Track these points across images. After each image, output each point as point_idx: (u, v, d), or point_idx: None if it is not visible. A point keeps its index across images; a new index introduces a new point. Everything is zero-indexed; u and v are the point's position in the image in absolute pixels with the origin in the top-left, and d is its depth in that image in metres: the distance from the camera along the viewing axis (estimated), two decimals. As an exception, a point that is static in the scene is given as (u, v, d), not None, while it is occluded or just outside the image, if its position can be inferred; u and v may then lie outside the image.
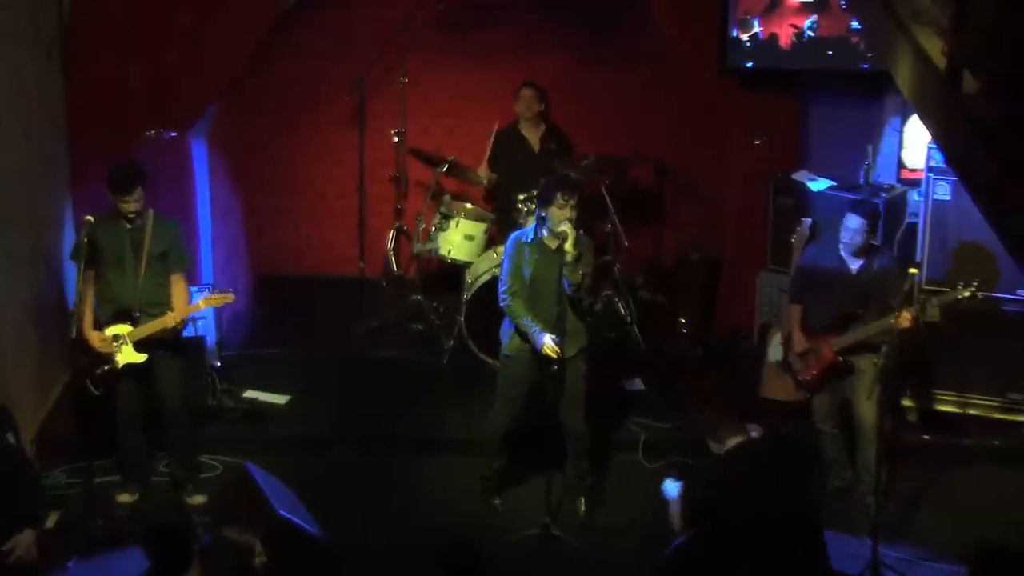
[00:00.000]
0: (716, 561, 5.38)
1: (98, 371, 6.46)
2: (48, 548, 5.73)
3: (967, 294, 6.29)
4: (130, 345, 6.48)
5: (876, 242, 6.78)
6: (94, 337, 6.45)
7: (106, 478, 6.78)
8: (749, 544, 5.23)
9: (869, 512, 6.32)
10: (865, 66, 7.94)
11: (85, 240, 6.33)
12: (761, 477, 5.42)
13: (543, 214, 6.35)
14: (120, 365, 6.48)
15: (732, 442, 5.51)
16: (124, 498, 6.72)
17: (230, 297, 6.75)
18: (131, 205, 6.43)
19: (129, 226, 6.49)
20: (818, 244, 7.11)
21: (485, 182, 8.53)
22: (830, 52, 8.00)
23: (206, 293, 6.87)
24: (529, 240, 6.43)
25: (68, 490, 6.69)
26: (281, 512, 5.57)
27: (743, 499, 5.30)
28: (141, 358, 6.51)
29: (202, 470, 6.93)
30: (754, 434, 5.64)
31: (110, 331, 6.47)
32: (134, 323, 6.50)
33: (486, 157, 8.54)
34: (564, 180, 6.54)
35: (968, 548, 4.74)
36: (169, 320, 6.49)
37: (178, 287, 6.64)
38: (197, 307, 6.69)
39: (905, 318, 6.18)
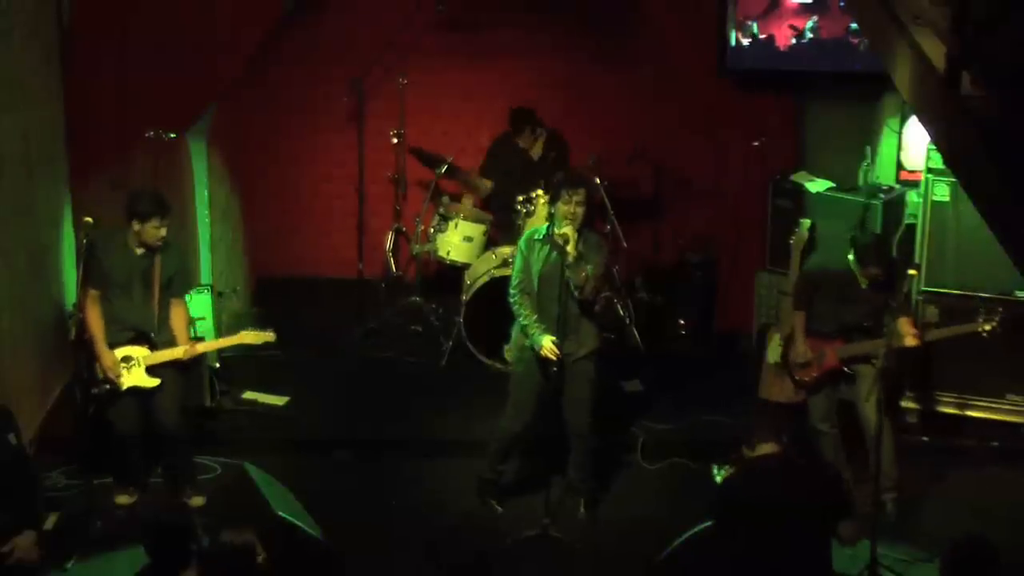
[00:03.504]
0: (711, 564, 5.38)
1: (96, 390, 6.39)
2: (48, 548, 5.72)
3: (988, 328, 6.27)
4: (142, 368, 6.40)
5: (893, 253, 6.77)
6: (108, 358, 6.35)
7: (105, 479, 6.76)
8: (754, 546, 5.22)
9: (885, 510, 6.40)
10: (864, 67, 7.94)
11: (84, 241, 6.31)
12: (774, 486, 5.36)
13: (552, 211, 6.36)
14: (124, 387, 6.40)
15: (763, 449, 5.42)
16: (123, 499, 6.69)
17: (270, 336, 6.66)
18: (164, 231, 6.32)
19: (139, 251, 6.39)
20: (824, 250, 7.08)
21: (480, 190, 8.54)
22: (828, 53, 8.02)
23: (245, 328, 6.77)
24: (541, 237, 6.43)
25: (68, 490, 6.68)
26: (280, 513, 5.56)
27: (757, 506, 5.27)
28: (152, 383, 6.42)
29: (197, 474, 6.90)
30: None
31: (121, 352, 6.39)
32: (151, 347, 6.43)
33: (480, 167, 8.56)
34: (569, 176, 6.53)
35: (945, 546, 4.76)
36: (182, 353, 6.42)
37: (178, 311, 6.55)
38: (237, 340, 6.63)
39: (912, 340, 6.16)
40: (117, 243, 6.41)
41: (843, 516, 5.25)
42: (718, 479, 5.91)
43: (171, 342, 6.49)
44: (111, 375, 6.35)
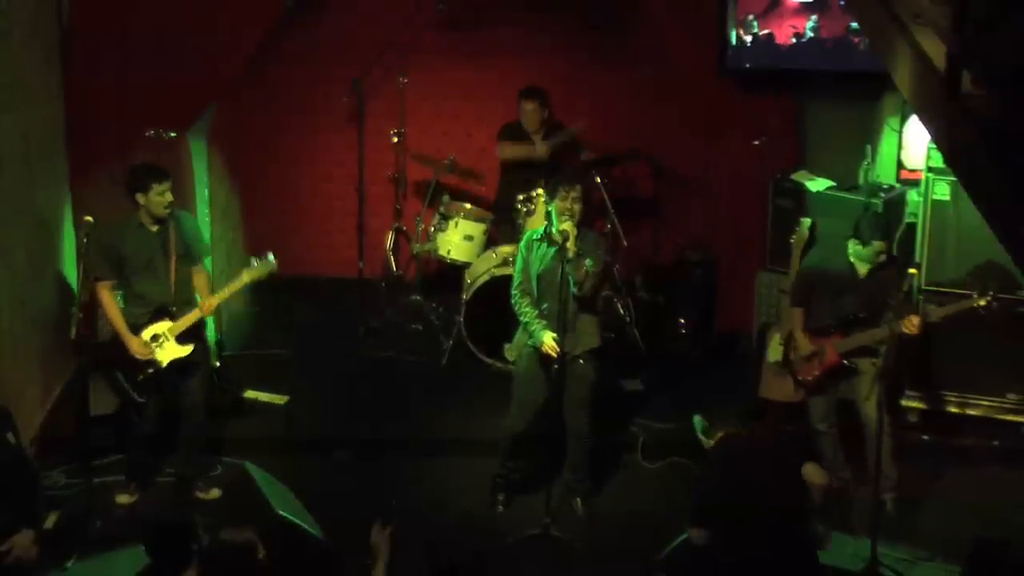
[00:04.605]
0: (709, 564, 5.41)
1: (141, 376, 6.44)
2: (47, 548, 5.72)
3: (983, 303, 6.26)
4: (172, 340, 6.48)
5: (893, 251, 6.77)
6: (135, 343, 6.42)
7: (105, 478, 6.76)
8: (739, 543, 5.24)
9: (885, 509, 6.43)
10: (864, 66, 7.95)
11: (85, 240, 6.33)
12: (740, 471, 5.41)
13: (550, 210, 6.37)
14: (165, 363, 6.48)
15: (717, 436, 5.51)
16: (123, 499, 6.70)
17: (271, 263, 6.62)
18: (169, 195, 6.41)
19: (155, 228, 6.46)
20: (822, 247, 7.10)
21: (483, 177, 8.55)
22: (829, 52, 8.02)
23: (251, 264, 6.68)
24: (539, 236, 6.44)
25: (68, 490, 6.68)
26: (281, 512, 5.57)
27: (726, 494, 5.31)
28: (187, 350, 6.51)
29: (212, 466, 6.92)
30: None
31: (147, 333, 6.46)
32: (172, 318, 6.49)
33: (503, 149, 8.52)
34: (565, 173, 6.55)
35: (967, 546, 4.77)
36: (203, 309, 6.51)
37: (201, 278, 6.65)
38: (241, 283, 6.59)
39: (912, 324, 6.17)
40: (131, 227, 6.46)
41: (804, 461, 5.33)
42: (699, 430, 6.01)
43: (191, 305, 6.56)
44: (145, 357, 6.41)
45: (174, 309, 6.50)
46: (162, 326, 6.48)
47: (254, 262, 6.61)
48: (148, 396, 6.50)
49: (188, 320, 6.50)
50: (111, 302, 6.46)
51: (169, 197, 6.43)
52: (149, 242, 6.47)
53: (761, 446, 5.52)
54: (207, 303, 6.56)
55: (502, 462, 6.75)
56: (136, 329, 6.45)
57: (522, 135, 8.36)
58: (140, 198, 6.39)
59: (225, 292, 6.66)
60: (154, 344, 6.46)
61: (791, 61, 8.16)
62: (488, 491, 6.78)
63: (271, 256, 6.60)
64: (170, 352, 6.49)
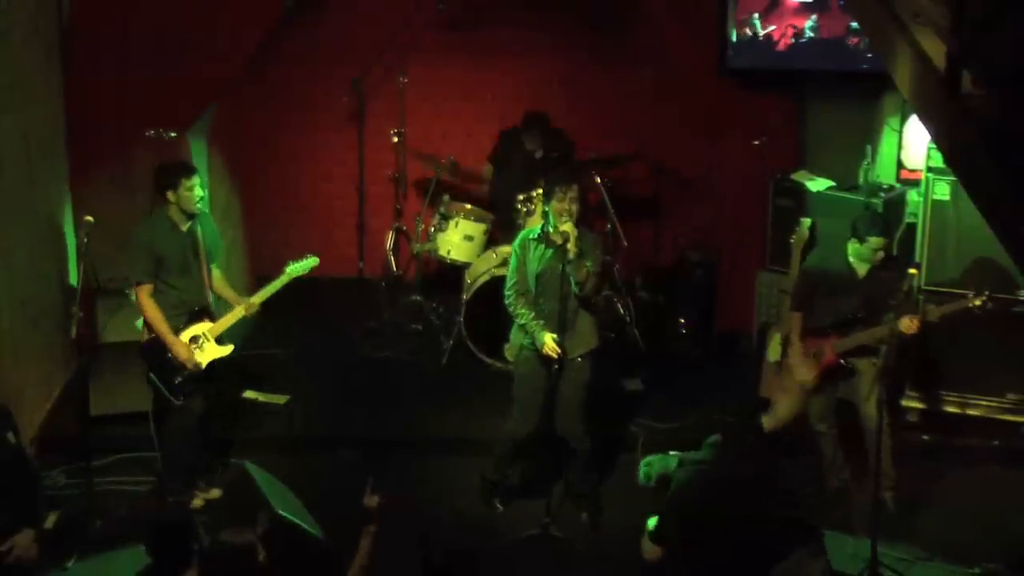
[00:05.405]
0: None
1: (179, 379, 6.42)
2: (47, 548, 5.72)
3: (978, 303, 6.26)
4: (211, 342, 6.47)
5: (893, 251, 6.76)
6: (181, 348, 6.38)
7: (106, 479, 6.76)
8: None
9: (886, 507, 6.43)
10: (864, 66, 7.95)
11: (85, 240, 6.32)
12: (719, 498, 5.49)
13: (546, 210, 6.36)
14: (204, 365, 6.46)
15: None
16: (199, 501, 6.64)
17: (314, 260, 6.68)
18: (199, 189, 6.39)
19: (185, 227, 6.44)
20: (822, 248, 7.10)
21: (482, 176, 8.57)
22: (829, 52, 8.02)
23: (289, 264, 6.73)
24: (535, 236, 6.43)
25: (68, 490, 6.68)
26: (281, 512, 5.57)
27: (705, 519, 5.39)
28: (227, 350, 6.53)
29: (212, 466, 6.92)
30: None
31: (187, 335, 6.44)
32: (212, 319, 6.49)
33: (489, 156, 8.57)
34: (561, 173, 6.55)
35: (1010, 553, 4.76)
36: (243, 311, 6.52)
37: (219, 275, 6.65)
38: (285, 279, 6.61)
39: (910, 324, 6.17)
40: (162, 228, 6.43)
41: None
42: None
43: (225, 306, 6.57)
44: (189, 363, 6.39)
45: (212, 311, 6.51)
46: (201, 327, 6.47)
47: (291, 263, 6.68)
48: (185, 397, 6.46)
49: (229, 320, 6.51)
50: (153, 306, 6.38)
51: (200, 192, 6.40)
52: (182, 241, 6.45)
53: (741, 474, 5.57)
54: (250, 301, 6.57)
55: (499, 467, 6.73)
56: (175, 332, 6.42)
57: (515, 144, 8.38)
58: (171, 196, 6.36)
59: (268, 290, 6.65)
60: (193, 346, 6.45)
61: (791, 61, 8.16)
62: (482, 495, 6.77)
63: (310, 256, 6.71)
64: (210, 353, 6.48)
